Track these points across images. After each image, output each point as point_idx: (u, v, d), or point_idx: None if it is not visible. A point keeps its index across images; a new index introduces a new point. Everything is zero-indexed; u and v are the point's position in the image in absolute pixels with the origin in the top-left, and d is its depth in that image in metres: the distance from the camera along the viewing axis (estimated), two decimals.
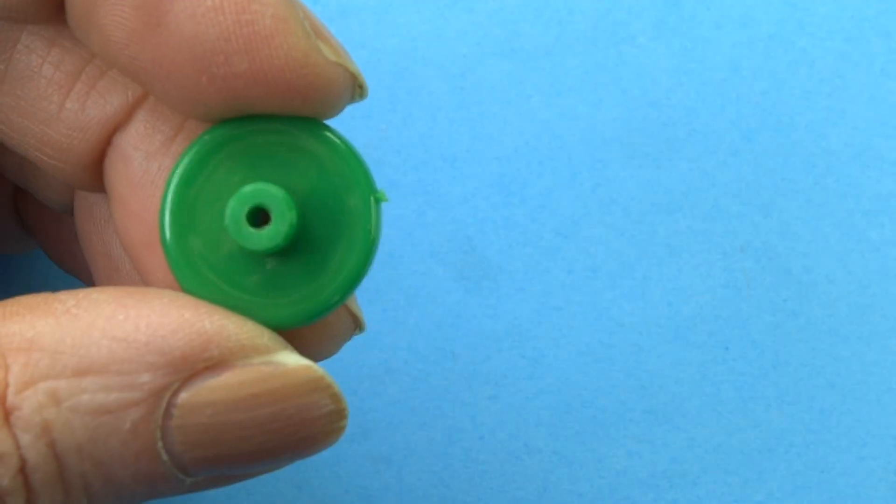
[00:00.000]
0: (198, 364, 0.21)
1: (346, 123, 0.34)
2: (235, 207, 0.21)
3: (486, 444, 0.33)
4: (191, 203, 0.22)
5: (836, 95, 0.35)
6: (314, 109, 0.22)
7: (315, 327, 0.24)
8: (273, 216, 0.21)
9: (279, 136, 0.22)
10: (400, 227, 0.34)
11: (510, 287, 0.33)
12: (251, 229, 0.21)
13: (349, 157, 0.22)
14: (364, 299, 0.33)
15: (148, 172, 0.23)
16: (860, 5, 0.35)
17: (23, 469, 0.20)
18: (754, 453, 0.33)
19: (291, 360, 0.21)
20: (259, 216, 0.22)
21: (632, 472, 0.33)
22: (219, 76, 0.21)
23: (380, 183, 0.34)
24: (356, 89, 0.22)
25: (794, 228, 0.34)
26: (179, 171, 0.22)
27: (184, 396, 0.20)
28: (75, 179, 0.24)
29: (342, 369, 0.33)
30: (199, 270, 0.22)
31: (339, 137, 0.23)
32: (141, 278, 0.24)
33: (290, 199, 0.21)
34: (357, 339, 0.33)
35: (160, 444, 0.21)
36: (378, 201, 0.23)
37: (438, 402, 0.33)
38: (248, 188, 0.21)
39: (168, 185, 0.22)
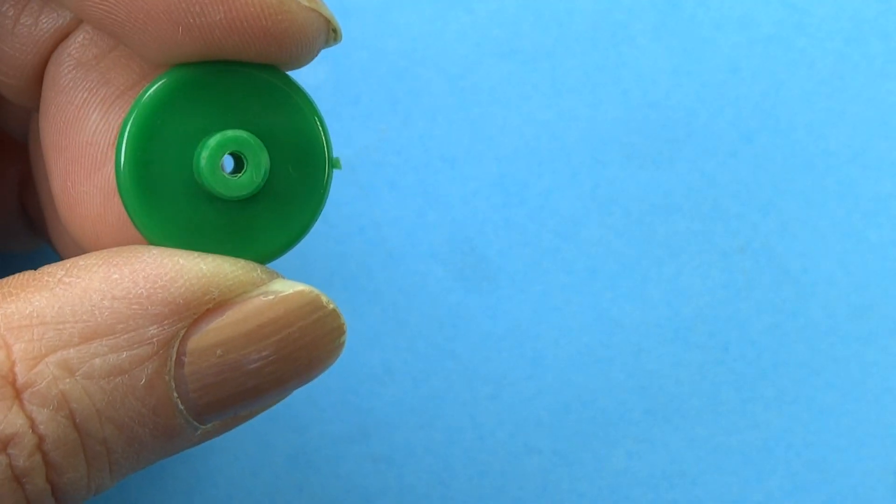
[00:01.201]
0: (201, 307, 0.21)
1: (347, 124, 0.34)
2: (213, 153, 0.21)
3: (486, 444, 0.33)
4: (149, 149, 0.22)
5: (836, 96, 0.35)
6: (289, 55, 0.22)
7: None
8: (248, 162, 0.21)
9: (242, 84, 0.22)
10: (400, 227, 0.34)
11: (510, 287, 0.34)
12: (227, 175, 0.21)
13: (311, 119, 0.22)
14: (364, 299, 0.33)
15: (74, 80, 0.23)
16: (859, 6, 0.35)
17: (40, 446, 0.20)
18: (753, 453, 0.33)
19: (287, 286, 0.22)
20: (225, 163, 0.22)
21: (631, 471, 0.33)
22: (195, 27, 0.21)
23: (379, 183, 0.34)
24: (330, 34, 0.22)
25: (793, 229, 0.34)
26: (138, 111, 0.21)
27: (192, 342, 0.21)
28: (30, 98, 0.24)
29: (342, 369, 0.33)
30: (159, 215, 0.22)
31: (305, 98, 0.23)
32: (50, 183, 0.24)
33: (263, 146, 0.22)
34: (357, 340, 0.33)
35: (175, 394, 0.21)
36: (333, 167, 0.23)
37: (438, 402, 0.33)
38: (226, 134, 0.21)
39: (125, 125, 0.21)
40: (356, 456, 0.33)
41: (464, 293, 0.33)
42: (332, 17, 0.22)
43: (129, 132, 0.21)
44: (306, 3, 0.21)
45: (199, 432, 0.21)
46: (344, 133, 0.34)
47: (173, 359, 0.20)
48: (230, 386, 0.21)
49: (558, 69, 0.35)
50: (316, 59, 0.35)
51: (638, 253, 0.34)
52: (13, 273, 0.21)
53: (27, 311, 0.20)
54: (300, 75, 0.35)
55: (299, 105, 0.22)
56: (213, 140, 0.21)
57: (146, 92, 0.22)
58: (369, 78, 0.34)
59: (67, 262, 0.21)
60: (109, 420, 0.20)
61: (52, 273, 0.21)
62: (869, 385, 0.34)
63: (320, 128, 0.23)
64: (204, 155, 0.21)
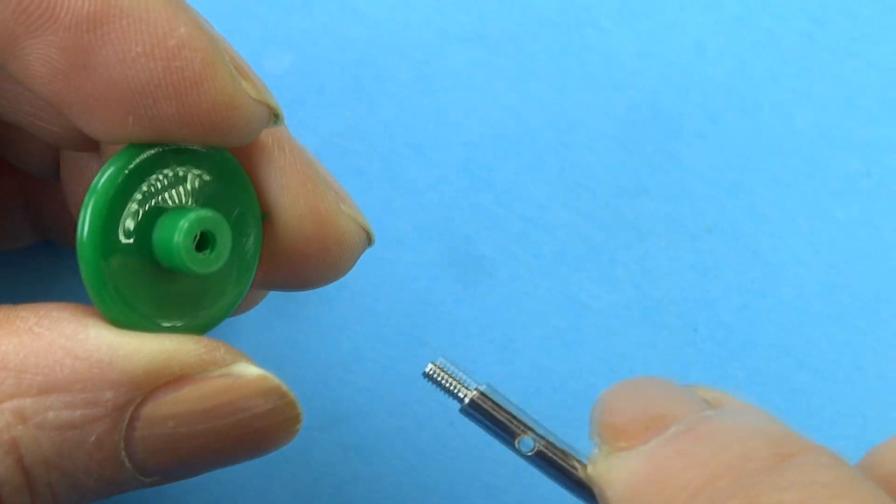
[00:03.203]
0: (160, 380, 0.21)
1: (312, 112, 0.34)
2: (187, 233, 0.22)
3: (457, 430, 0.33)
4: (111, 225, 0.22)
5: (802, 76, 0.35)
6: (233, 142, 0.23)
7: (331, 245, 0.24)
8: (217, 240, 0.22)
9: (190, 163, 0.23)
10: (366, 214, 0.34)
11: (478, 272, 0.33)
12: (198, 254, 0.22)
13: (254, 205, 0.24)
14: (331, 286, 0.33)
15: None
16: None
17: None
18: None
19: (249, 371, 0.22)
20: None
21: None
22: (146, 117, 0.21)
23: (346, 171, 0.34)
24: (272, 118, 0.23)
25: (761, 209, 0.34)
26: (96, 196, 0.22)
27: (146, 410, 0.21)
28: (68, 140, 0.24)
29: (311, 357, 0.33)
30: (116, 292, 0.22)
31: (244, 177, 0.23)
32: None
33: (228, 225, 0.23)
34: (325, 328, 0.33)
35: (123, 453, 0.21)
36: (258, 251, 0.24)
37: (408, 389, 0.33)
38: (198, 214, 0.22)
39: (84, 210, 0.22)
40: (327, 444, 0.32)
41: (431, 279, 0.33)
42: (276, 105, 0.23)
43: (89, 217, 0.22)
44: (255, 96, 0.22)
45: (146, 482, 0.22)
46: (309, 121, 0.34)
47: (125, 422, 0.21)
48: (178, 454, 0.22)
49: (523, 53, 0.35)
50: (280, 47, 0.35)
51: (605, 235, 0.34)
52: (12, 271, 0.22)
53: (9, 350, 0.21)
54: (263, 67, 0.35)
55: (243, 186, 0.23)
56: (187, 221, 0.22)
57: (102, 175, 0.22)
58: (334, 66, 0.34)
59: (41, 310, 0.22)
60: (56, 468, 0.21)
61: (25, 318, 0.21)
62: (839, 364, 0.34)
63: (257, 209, 0.24)
64: (178, 236, 0.22)
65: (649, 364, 0.33)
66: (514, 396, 0.33)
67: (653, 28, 0.35)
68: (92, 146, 0.25)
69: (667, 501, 0.18)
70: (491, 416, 0.22)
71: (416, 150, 0.34)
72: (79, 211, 0.26)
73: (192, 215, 0.22)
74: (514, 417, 0.22)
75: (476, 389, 0.22)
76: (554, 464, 0.22)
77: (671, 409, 0.20)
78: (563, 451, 0.22)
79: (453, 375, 0.23)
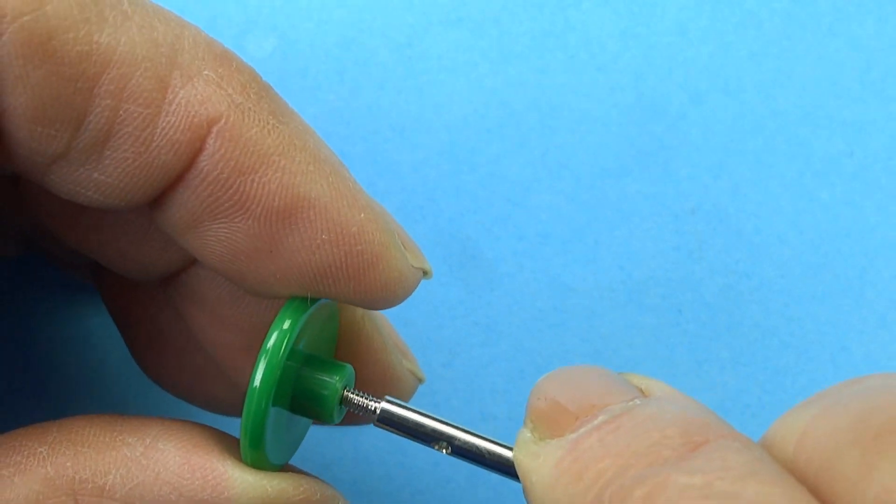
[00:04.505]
0: None
1: (295, 95, 0.34)
2: (341, 389, 0.23)
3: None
4: (279, 377, 0.22)
5: (784, 56, 0.35)
6: (388, 307, 0.24)
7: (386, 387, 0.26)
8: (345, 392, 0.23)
9: (324, 312, 0.24)
10: None
11: (462, 255, 0.33)
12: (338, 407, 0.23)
13: (332, 352, 0.25)
14: None
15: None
16: None
17: None
18: None
19: None
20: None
21: None
22: (322, 293, 0.22)
23: None
24: (423, 276, 0.24)
25: (744, 190, 0.34)
26: (273, 351, 0.22)
27: None
28: (139, 273, 0.26)
29: None
30: (263, 443, 0.23)
31: (336, 333, 0.25)
32: (232, 376, 0.26)
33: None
34: None
35: None
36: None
37: None
38: (349, 371, 0.23)
39: (265, 362, 0.22)
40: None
41: None
42: (429, 267, 0.24)
43: (265, 371, 0.22)
44: (415, 264, 0.23)
45: None
46: (292, 105, 0.34)
47: None
48: None
49: (505, 35, 0.34)
50: (262, 31, 0.35)
51: (589, 217, 0.34)
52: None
53: (100, 483, 0.21)
54: (246, 51, 0.35)
55: (333, 335, 0.25)
56: (342, 379, 0.23)
57: (276, 330, 0.22)
58: (316, 49, 0.34)
59: (147, 437, 0.22)
60: None
61: (131, 445, 0.22)
62: (823, 344, 0.34)
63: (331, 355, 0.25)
64: (329, 390, 0.23)
65: (633, 345, 0.33)
66: (499, 379, 0.33)
67: (635, 9, 0.35)
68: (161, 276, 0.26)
69: (583, 491, 0.19)
70: (408, 420, 0.23)
71: (399, 132, 0.34)
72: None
73: (343, 374, 0.23)
74: (430, 417, 0.23)
75: (385, 398, 0.23)
76: (475, 454, 0.23)
77: (601, 399, 0.20)
78: (478, 443, 0.23)
79: (361, 395, 0.24)
